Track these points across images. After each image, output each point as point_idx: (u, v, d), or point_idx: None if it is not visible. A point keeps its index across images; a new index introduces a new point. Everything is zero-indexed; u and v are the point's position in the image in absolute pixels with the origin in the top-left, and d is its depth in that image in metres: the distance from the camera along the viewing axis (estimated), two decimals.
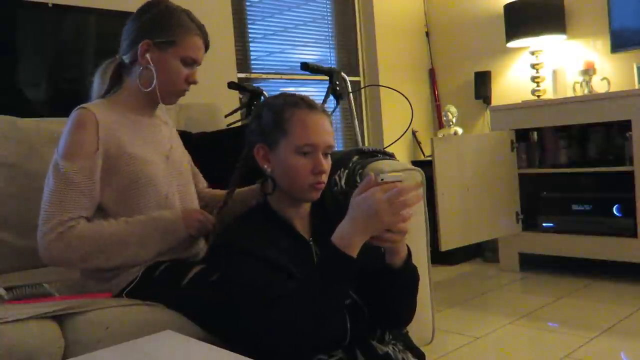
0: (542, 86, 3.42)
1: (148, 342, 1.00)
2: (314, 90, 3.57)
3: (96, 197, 1.32)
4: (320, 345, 1.11)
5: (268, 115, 1.20)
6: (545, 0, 3.32)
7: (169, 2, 1.45)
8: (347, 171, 1.75)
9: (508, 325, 2.43)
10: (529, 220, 3.24)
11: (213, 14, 2.91)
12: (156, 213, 1.37)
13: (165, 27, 1.40)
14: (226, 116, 2.38)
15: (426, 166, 2.45)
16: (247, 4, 3.21)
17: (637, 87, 3.05)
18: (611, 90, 3.13)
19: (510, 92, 3.71)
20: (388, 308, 1.19)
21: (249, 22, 3.22)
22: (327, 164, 1.20)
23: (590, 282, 2.99)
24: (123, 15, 1.46)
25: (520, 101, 3.37)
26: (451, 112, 3.73)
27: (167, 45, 1.39)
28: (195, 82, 1.46)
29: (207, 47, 1.47)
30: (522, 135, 3.27)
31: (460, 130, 3.74)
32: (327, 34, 3.67)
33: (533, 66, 3.43)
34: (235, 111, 2.46)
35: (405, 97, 2.39)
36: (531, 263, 3.31)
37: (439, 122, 4.03)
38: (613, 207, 2.96)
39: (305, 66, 2.19)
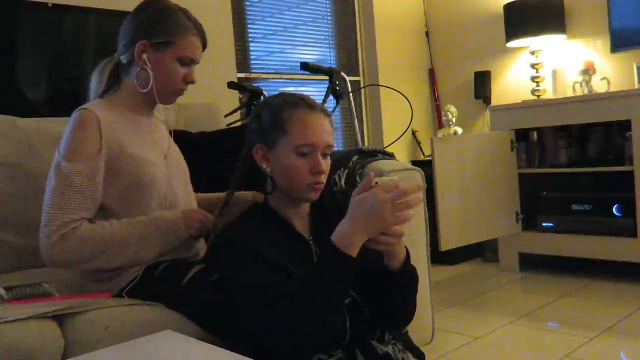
0: (542, 86, 3.42)
1: (148, 342, 1.00)
2: (314, 90, 3.57)
3: (98, 199, 1.32)
4: (320, 345, 1.11)
5: (267, 116, 1.20)
6: (545, 0, 3.32)
7: (166, 1, 1.44)
8: (347, 171, 1.75)
9: (508, 325, 2.43)
10: (529, 220, 3.24)
11: (213, 14, 2.91)
12: (157, 213, 1.37)
13: (162, 27, 1.39)
14: (226, 116, 2.39)
15: (426, 166, 2.45)
16: (247, 4, 3.21)
17: (637, 87, 3.05)
18: (611, 90, 3.13)
19: (510, 92, 3.71)
20: (388, 309, 1.19)
21: (249, 22, 3.22)
22: (326, 164, 1.20)
23: (590, 282, 2.99)
24: (123, 15, 1.46)
25: (520, 101, 3.37)
26: (451, 112, 3.73)
27: (164, 46, 1.39)
28: (193, 82, 1.46)
29: (205, 46, 1.47)
30: (522, 135, 3.27)
31: (460, 130, 3.74)
32: (327, 34, 3.67)
33: (533, 66, 3.43)
34: (235, 111, 2.46)
35: (405, 97, 2.39)
36: (531, 263, 3.31)
37: (439, 122, 4.03)
38: (613, 207, 2.96)
39: (305, 66, 2.19)
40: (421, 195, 1.17)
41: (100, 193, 1.32)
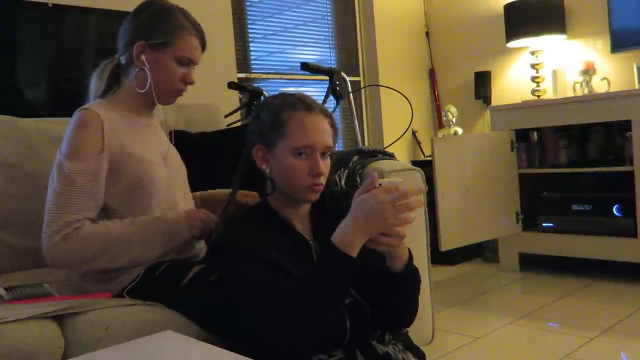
0: (542, 86, 3.42)
1: (148, 342, 1.00)
2: (314, 90, 3.57)
3: (101, 198, 1.32)
4: (320, 345, 1.11)
5: (266, 116, 1.20)
6: (545, 0, 3.32)
7: (164, 1, 1.44)
8: (347, 171, 1.75)
9: (508, 325, 2.43)
10: (529, 220, 3.24)
11: (213, 13, 2.91)
12: (159, 213, 1.37)
13: (160, 28, 1.39)
14: (226, 116, 2.38)
15: (426, 166, 2.45)
16: (247, 4, 3.21)
17: (637, 87, 3.05)
18: (611, 90, 3.13)
19: (510, 92, 3.71)
20: (389, 309, 1.19)
21: (249, 22, 3.22)
22: (325, 165, 1.19)
23: (590, 282, 2.99)
24: (123, 16, 1.46)
25: (520, 101, 3.37)
26: (451, 112, 3.73)
27: (162, 46, 1.39)
28: (192, 82, 1.46)
29: (204, 47, 1.46)
30: (522, 135, 3.27)
31: (460, 130, 3.74)
32: (327, 34, 3.67)
33: (533, 66, 3.43)
34: (235, 111, 2.46)
35: (405, 97, 2.39)
36: (531, 263, 3.31)
37: (439, 122, 4.03)
38: (613, 207, 2.96)
39: (305, 66, 2.19)
40: (422, 197, 1.17)
41: (103, 193, 1.32)
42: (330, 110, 1.29)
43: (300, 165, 1.16)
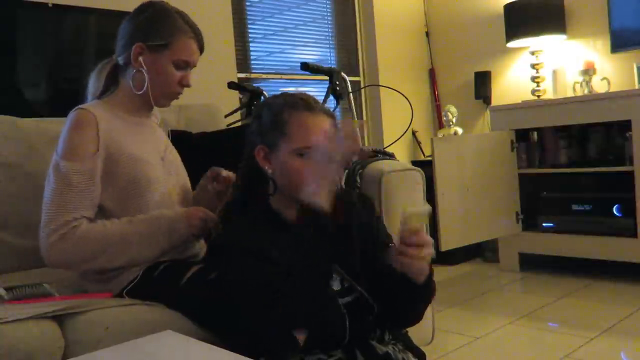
0: (542, 86, 3.42)
1: (148, 342, 1.00)
2: (314, 90, 3.57)
3: (97, 197, 1.32)
4: (320, 345, 1.11)
5: (267, 116, 1.20)
6: (545, 0, 3.32)
7: (164, 3, 1.44)
8: (347, 171, 1.75)
9: (508, 325, 2.43)
10: (529, 220, 3.24)
11: (213, 14, 2.91)
12: (158, 212, 1.37)
13: (158, 30, 1.39)
14: (226, 116, 2.38)
15: (426, 166, 2.45)
16: (247, 4, 3.21)
17: (637, 87, 3.05)
18: (611, 90, 3.13)
19: (510, 92, 3.71)
20: (397, 311, 1.19)
21: (249, 22, 3.22)
22: None
23: (590, 282, 2.98)
24: (123, 16, 1.46)
25: (520, 101, 3.37)
26: (451, 112, 3.73)
27: (160, 48, 1.39)
28: (188, 85, 1.46)
29: (202, 50, 1.47)
30: (522, 135, 3.27)
31: (460, 130, 3.74)
32: (327, 34, 3.67)
33: (533, 66, 3.43)
34: (235, 111, 2.46)
35: (405, 97, 2.39)
36: (531, 263, 3.31)
37: (439, 122, 4.03)
38: (613, 207, 2.96)
39: (305, 66, 2.19)
40: (426, 220, 1.18)
41: (99, 192, 1.32)
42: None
43: (302, 165, 1.16)
